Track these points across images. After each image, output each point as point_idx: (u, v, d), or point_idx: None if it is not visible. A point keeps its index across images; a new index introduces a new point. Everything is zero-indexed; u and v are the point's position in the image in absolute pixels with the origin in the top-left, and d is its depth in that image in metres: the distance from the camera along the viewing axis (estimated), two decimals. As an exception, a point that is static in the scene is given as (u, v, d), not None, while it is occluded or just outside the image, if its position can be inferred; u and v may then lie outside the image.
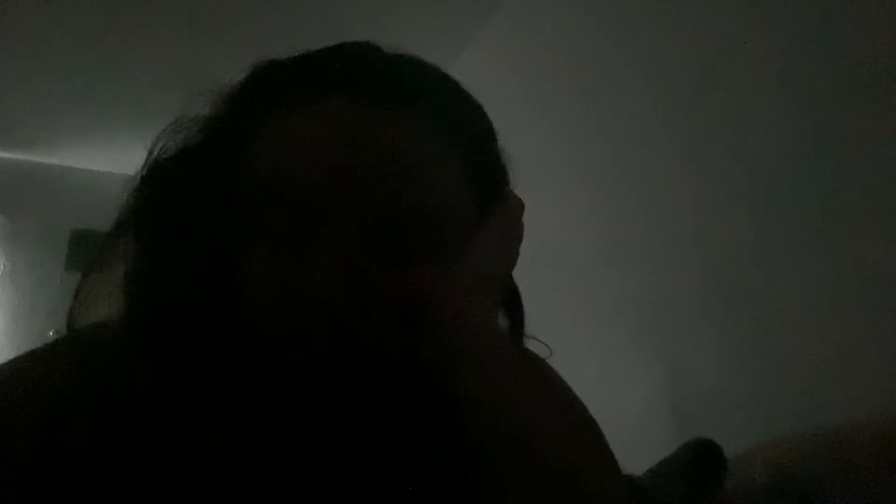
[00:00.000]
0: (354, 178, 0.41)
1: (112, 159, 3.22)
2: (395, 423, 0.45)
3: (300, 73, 0.46)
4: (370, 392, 0.43)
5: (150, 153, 0.47)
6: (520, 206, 0.50)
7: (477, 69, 2.35)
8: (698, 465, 1.10)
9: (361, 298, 0.40)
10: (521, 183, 0.54)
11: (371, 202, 0.41)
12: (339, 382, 0.42)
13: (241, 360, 0.42)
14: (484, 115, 0.51)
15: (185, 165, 0.47)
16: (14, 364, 0.43)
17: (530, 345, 0.53)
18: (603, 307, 1.75)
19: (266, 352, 0.41)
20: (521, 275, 0.52)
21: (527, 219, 0.51)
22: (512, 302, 0.52)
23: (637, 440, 1.15)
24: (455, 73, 0.51)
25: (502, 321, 0.50)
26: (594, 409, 0.52)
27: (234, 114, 0.47)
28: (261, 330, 0.41)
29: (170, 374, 0.41)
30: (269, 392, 0.42)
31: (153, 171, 0.47)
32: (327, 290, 0.39)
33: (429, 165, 0.43)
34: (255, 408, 0.42)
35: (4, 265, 3.34)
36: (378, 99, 0.43)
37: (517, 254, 0.49)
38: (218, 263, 0.43)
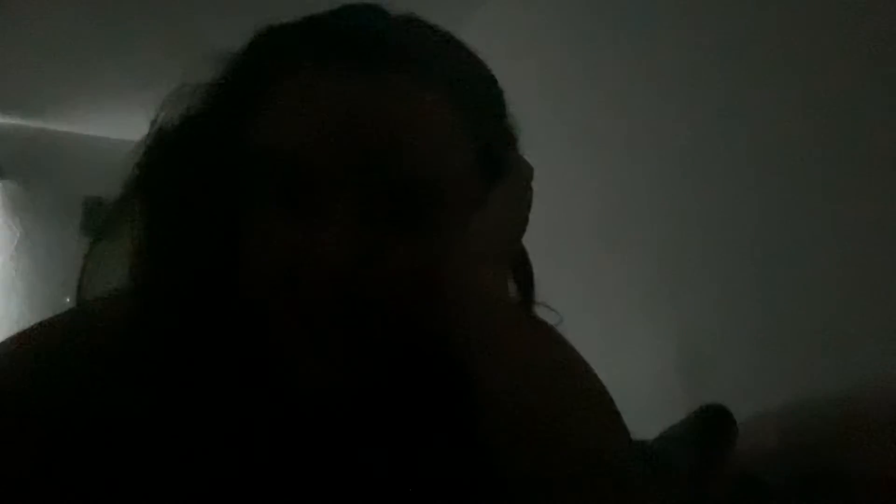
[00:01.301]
0: (359, 144, 0.41)
1: (123, 126, 3.21)
2: (404, 394, 0.45)
3: (304, 38, 0.45)
4: (379, 362, 0.43)
5: (154, 122, 0.47)
6: (529, 172, 0.50)
7: (487, 30, 2.32)
8: (709, 430, 1.10)
9: (368, 268, 0.40)
10: (529, 149, 0.53)
11: (376, 168, 0.41)
12: (347, 354, 0.41)
13: (249, 331, 0.42)
14: (492, 78, 0.50)
15: (188, 134, 0.46)
16: (23, 337, 0.43)
17: (540, 312, 0.53)
18: (612, 273, 1.74)
19: (274, 323, 0.41)
20: (529, 241, 0.52)
21: (535, 185, 0.50)
22: (522, 269, 0.52)
23: (647, 407, 1.16)
24: (464, 34, 0.50)
25: (512, 288, 0.50)
26: (603, 376, 0.52)
27: (236, 80, 0.46)
28: (268, 301, 0.41)
29: (178, 346, 0.41)
30: (278, 364, 0.42)
31: (157, 140, 0.46)
32: (334, 259, 0.39)
33: (435, 130, 0.42)
34: (262, 379, 0.42)
35: (20, 232, 3.37)
36: (383, 63, 0.42)
37: (527, 220, 0.49)
38: (224, 232, 0.43)
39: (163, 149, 0.46)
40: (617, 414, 0.49)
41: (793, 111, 1.23)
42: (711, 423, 1.11)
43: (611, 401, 0.50)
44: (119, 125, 3.27)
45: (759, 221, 1.30)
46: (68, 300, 0.46)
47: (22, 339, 0.43)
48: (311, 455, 0.43)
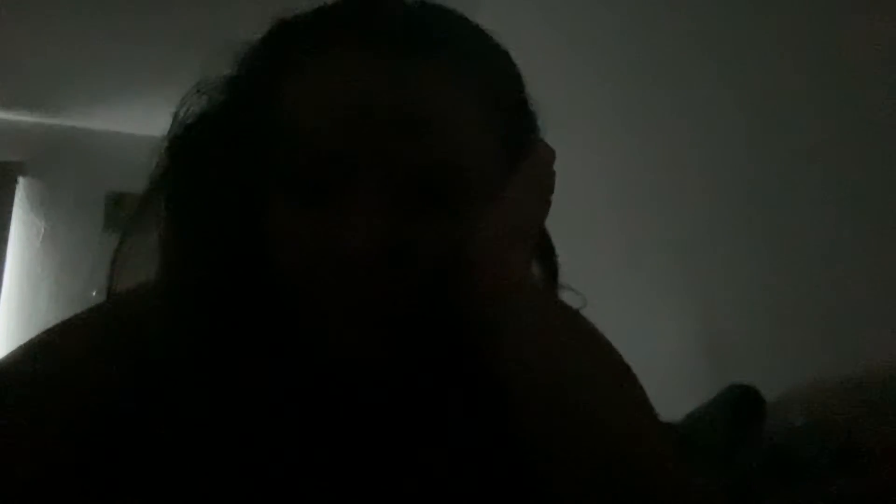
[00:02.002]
0: (380, 131, 0.40)
1: (144, 122, 3.24)
2: (434, 379, 0.45)
3: (321, 26, 0.45)
4: (410, 343, 0.43)
5: (176, 117, 0.47)
6: (550, 155, 0.49)
7: (500, 14, 2.30)
8: (736, 410, 1.09)
9: (398, 252, 0.40)
10: (549, 127, 0.53)
11: (398, 154, 0.41)
12: (379, 337, 0.42)
13: (280, 318, 0.42)
14: (510, 60, 0.50)
15: (210, 128, 0.46)
16: (55, 333, 0.44)
17: (564, 295, 0.53)
18: (635, 253, 1.73)
19: (305, 309, 0.42)
20: (551, 222, 0.51)
21: (556, 165, 0.50)
22: (546, 253, 0.52)
23: (673, 387, 1.15)
24: (479, 18, 0.49)
25: (536, 272, 0.50)
26: (629, 357, 0.52)
27: (256, 71, 0.46)
28: (295, 292, 0.42)
29: (209, 336, 0.41)
30: (311, 350, 0.42)
31: (179, 135, 0.46)
32: (364, 244, 0.39)
33: (456, 115, 0.42)
34: (295, 365, 0.42)
35: (45, 228, 3.41)
36: (402, 48, 0.42)
37: (549, 203, 0.48)
38: (251, 222, 0.43)
39: (186, 142, 0.46)
40: (644, 395, 0.48)
41: (809, 92, 1.21)
42: (740, 402, 1.11)
43: (637, 383, 0.50)
44: (141, 121, 3.29)
45: (781, 199, 1.29)
46: (94, 294, 0.47)
47: (56, 334, 0.44)
48: (347, 432, 0.44)
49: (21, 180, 3.44)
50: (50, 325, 0.45)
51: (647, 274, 1.69)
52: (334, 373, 0.43)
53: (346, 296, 0.41)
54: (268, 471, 0.41)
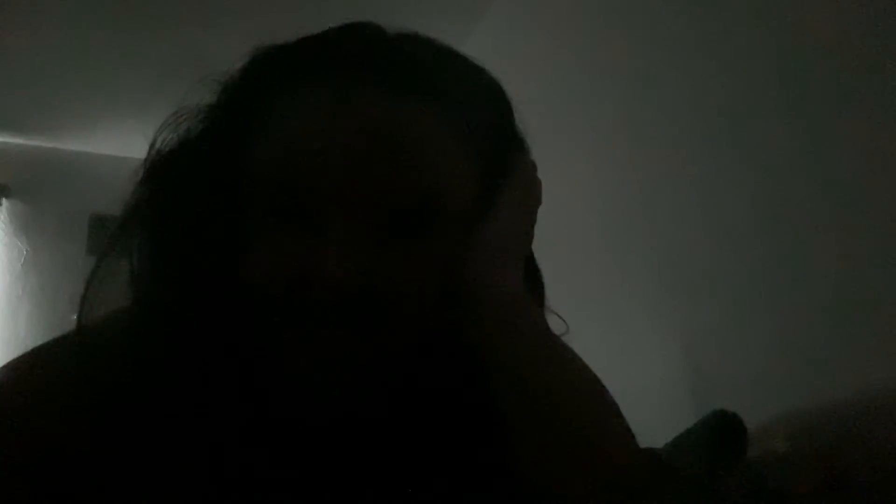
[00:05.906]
0: (358, 161, 0.40)
1: (128, 143, 3.24)
2: (422, 407, 0.45)
3: (301, 57, 0.45)
4: (388, 372, 0.43)
5: (153, 145, 0.46)
6: (531, 166, 0.50)
7: (489, 44, 2.33)
8: (719, 436, 1.10)
9: (370, 282, 0.40)
10: (536, 156, 0.53)
11: (376, 184, 0.41)
12: (354, 366, 0.41)
13: (251, 347, 0.41)
14: (497, 87, 0.50)
15: (187, 157, 0.46)
16: (23, 362, 0.42)
17: (549, 318, 0.53)
18: (618, 281, 1.74)
19: (277, 340, 0.41)
20: (536, 248, 0.52)
21: (542, 192, 0.50)
22: (532, 276, 0.52)
23: (656, 414, 1.15)
24: (467, 48, 0.50)
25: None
26: (611, 384, 0.52)
27: (235, 101, 0.46)
28: (270, 318, 0.41)
29: (179, 370, 0.40)
30: (283, 378, 0.41)
31: (156, 163, 0.46)
32: (336, 275, 0.39)
33: (435, 145, 0.42)
34: (268, 393, 0.42)
35: (27, 250, 3.38)
36: (381, 80, 0.42)
37: (535, 215, 0.49)
38: (225, 252, 0.42)
39: (162, 173, 0.46)
40: (624, 420, 0.49)
41: (798, 117, 1.23)
42: (722, 429, 1.11)
43: (617, 407, 0.50)
44: (125, 143, 3.29)
45: (765, 227, 1.30)
46: (75, 317, 0.46)
47: (20, 365, 0.42)
48: (325, 467, 0.43)
49: (4, 202, 3.43)
50: (28, 348, 0.44)
51: (630, 302, 1.69)
52: (310, 403, 0.42)
53: (319, 324, 0.40)
54: (236, 499, 0.40)
